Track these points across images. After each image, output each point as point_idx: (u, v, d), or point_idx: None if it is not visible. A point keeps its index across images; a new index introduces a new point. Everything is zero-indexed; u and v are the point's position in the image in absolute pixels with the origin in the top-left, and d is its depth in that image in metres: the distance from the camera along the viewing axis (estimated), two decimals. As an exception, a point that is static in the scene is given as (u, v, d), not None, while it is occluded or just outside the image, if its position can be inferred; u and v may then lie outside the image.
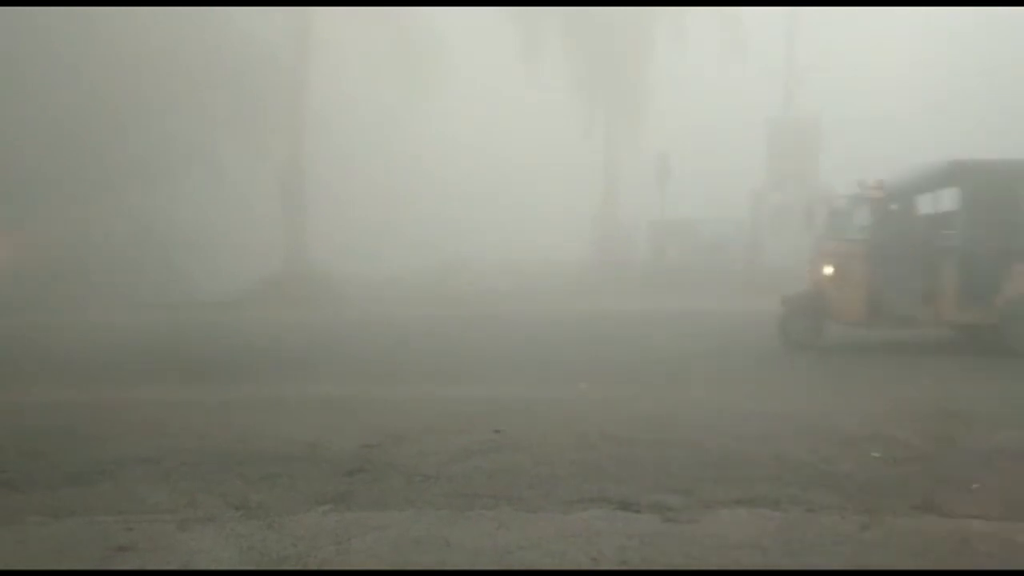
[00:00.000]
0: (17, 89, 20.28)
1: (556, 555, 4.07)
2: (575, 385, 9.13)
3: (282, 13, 22.86)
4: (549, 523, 4.52)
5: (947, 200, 11.70)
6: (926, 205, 11.84)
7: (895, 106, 28.99)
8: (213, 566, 4.05)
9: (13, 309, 16.88)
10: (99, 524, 4.62)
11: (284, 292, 20.78)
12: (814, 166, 24.73)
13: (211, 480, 5.42)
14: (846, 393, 8.52)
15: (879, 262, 11.24)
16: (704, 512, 4.65)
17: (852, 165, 25.06)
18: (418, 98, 25.40)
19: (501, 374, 10.15)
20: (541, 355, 11.61)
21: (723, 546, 4.15)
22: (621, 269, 23.56)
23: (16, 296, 17.65)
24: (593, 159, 27.47)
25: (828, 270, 11.59)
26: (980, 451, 5.84)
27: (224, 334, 14.73)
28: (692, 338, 12.67)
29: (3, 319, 16.00)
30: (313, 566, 4.02)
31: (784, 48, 26.30)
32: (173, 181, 23.11)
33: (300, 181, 23.90)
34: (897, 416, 6.95)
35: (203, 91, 22.51)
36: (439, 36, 24.81)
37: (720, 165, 26.08)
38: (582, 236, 26.82)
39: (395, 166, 29.62)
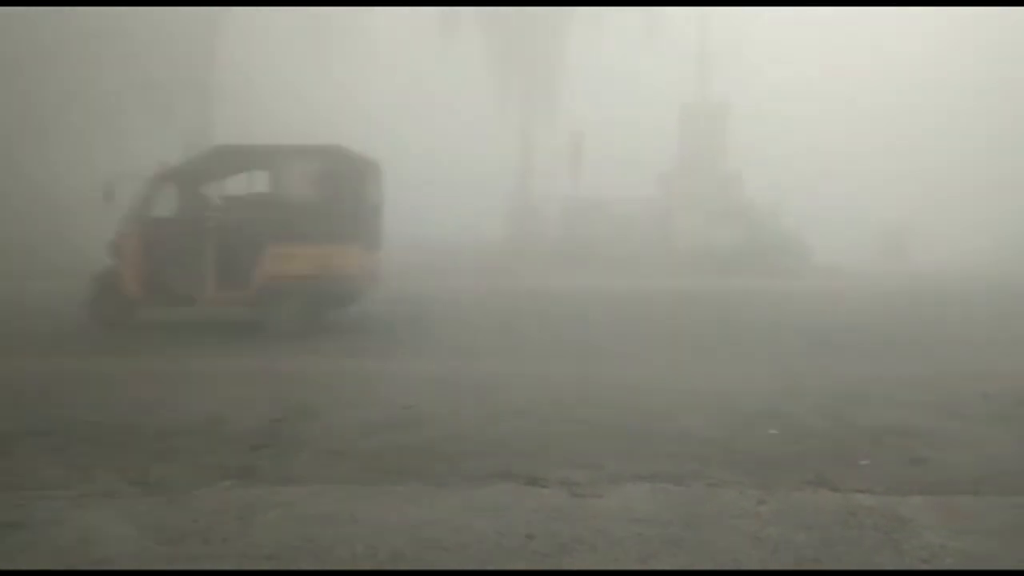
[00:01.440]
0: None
1: (463, 530, 4.09)
2: (484, 361, 9.17)
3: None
4: (457, 498, 4.54)
5: (215, 182, 12.14)
6: (202, 186, 12.15)
7: (806, 94, 29.84)
8: (108, 544, 3.93)
9: None
10: (-13, 500, 4.44)
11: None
12: (722, 151, 25.30)
13: (109, 455, 5.26)
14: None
15: (154, 241, 11.36)
16: (610, 487, 4.75)
17: (760, 152, 25.95)
18: (332, 69, 25.02)
19: (410, 349, 10.13)
20: (450, 331, 11.61)
21: (627, 519, 4.25)
22: (534, 247, 23.73)
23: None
24: (508, 138, 27.49)
25: (115, 248, 11.59)
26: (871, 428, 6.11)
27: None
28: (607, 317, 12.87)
29: None
30: (215, 542, 3.95)
31: (697, 33, 26.72)
32: (74, 145, 22.23)
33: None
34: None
35: (109, 55, 21.66)
36: (354, 10, 24.45)
37: (634, 147, 26.45)
38: (496, 214, 26.86)
39: (308, 137, 29.07)
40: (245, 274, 11.03)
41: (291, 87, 27.03)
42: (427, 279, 18.42)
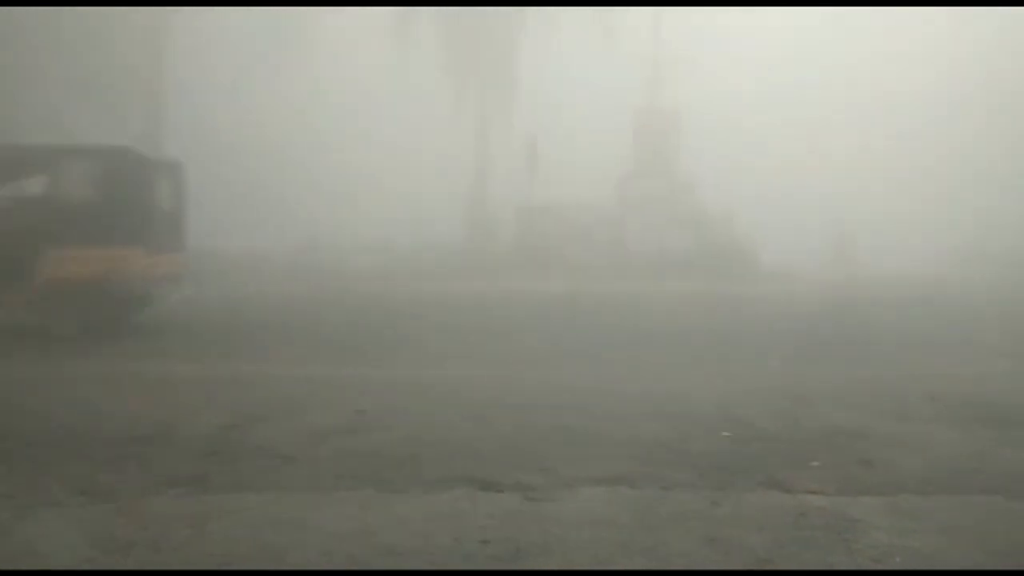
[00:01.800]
0: None
1: (419, 535, 4.07)
2: (440, 365, 9.13)
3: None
4: (412, 504, 4.52)
5: None
6: None
7: (760, 99, 30.17)
8: (55, 553, 3.84)
9: None
10: (-75, 512, 4.30)
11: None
12: (675, 155, 25.49)
13: (54, 463, 5.14)
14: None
15: None
16: (565, 491, 4.75)
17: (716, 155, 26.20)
18: (284, 69, 24.77)
19: (364, 354, 10.04)
20: (405, 335, 11.54)
21: (583, 523, 4.26)
22: (488, 250, 23.74)
23: None
24: (464, 141, 27.43)
25: None
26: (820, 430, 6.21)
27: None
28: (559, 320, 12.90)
29: None
30: (167, 551, 3.88)
31: (651, 38, 26.87)
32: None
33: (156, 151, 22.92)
34: None
35: (55, 53, 21.17)
36: (306, 10, 24.26)
37: (589, 152, 26.54)
38: (451, 218, 26.77)
39: (260, 139, 28.71)
40: (23, 277, 10.61)
41: (242, 89, 26.65)
42: (380, 282, 18.31)
